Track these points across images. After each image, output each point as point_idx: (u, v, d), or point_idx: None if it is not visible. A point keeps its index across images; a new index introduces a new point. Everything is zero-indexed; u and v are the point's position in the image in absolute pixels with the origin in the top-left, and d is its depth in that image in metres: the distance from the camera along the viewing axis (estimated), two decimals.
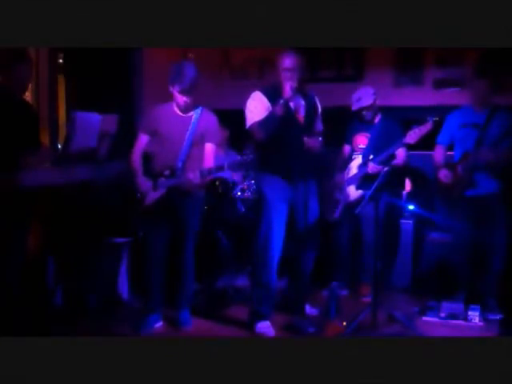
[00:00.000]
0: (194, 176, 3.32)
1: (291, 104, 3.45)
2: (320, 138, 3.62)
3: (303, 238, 3.60)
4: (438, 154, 4.01)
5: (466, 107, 3.94)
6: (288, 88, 3.35)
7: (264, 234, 3.54)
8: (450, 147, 4.01)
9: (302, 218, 3.55)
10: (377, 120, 4.29)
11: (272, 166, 3.55)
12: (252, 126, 3.50)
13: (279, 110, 3.37)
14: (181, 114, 3.52)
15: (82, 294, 3.95)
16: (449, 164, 3.93)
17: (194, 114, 3.53)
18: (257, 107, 3.51)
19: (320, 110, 3.73)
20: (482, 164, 3.76)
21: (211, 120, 3.59)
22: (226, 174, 4.45)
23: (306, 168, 3.52)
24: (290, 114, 3.45)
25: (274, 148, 3.50)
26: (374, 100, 4.19)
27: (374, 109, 4.22)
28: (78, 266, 3.98)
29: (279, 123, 3.39)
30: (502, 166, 3.74)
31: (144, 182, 3.48)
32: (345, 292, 4.35)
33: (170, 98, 3.51)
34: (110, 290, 4.11)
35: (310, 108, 3.58)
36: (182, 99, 3.43)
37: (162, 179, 3.45)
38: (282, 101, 3.36)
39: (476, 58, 4.66)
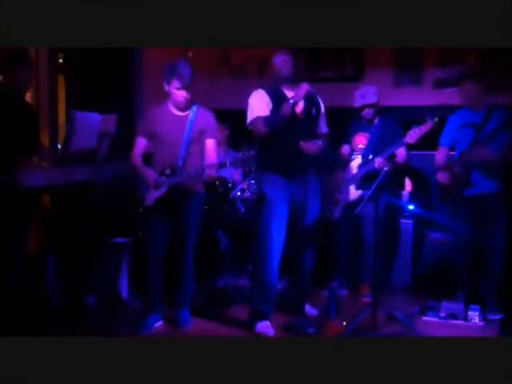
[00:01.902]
0: (191, 174, 3.34)
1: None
2: (319, 143, 3.62)
3: (303, 238, 3.61)
4: (440, 155, 4.02)
5: (466, 108, 3.94)
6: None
7: (264, 233, 3.54)
8: (454, 148, 4.01)
9: (300, 219, 3.56)
10: (376, 120, 4.29)
11: (273, 164, 3.55)
12: (254, 120, 3.51)
13: (287, 110, 3.39)
14: (177, 113, 3.52)
15: (81, 294, 3.95)
16: (447, 164, 3.94)
17: (190, 113, 3.53)
18: (258, 103, 3.54)
19: (323, 110, 3.73)
20: (476, 162, 3.77)
21: (208, 117, 3.60)
22: (227, 173, 4.45)
23: (306, 167, 3.52)
24: (292, 113, 3.46)
25: (275, 147, 3.51)
26: (378, 99, 4.20)
27: (376, 108, 4.22)
28: (78, 266, 3.97)
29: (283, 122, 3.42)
30: (497, 164, 3.74)
31: (148, 172, 3.48)
32: (345, 292, 4.35)
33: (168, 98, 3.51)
34: (109, 290, 4.11)
35: (311, 107, 3.58)
36: (181, 95, 3.43)
37: (163, 178, 3.45)
38: (291, 101, 3.40)
39: (473, 58, 4.66)
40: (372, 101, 4.18)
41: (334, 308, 3.56)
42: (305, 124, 3.52)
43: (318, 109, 3.67)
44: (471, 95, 3.84)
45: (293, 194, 3.56)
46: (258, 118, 3.50)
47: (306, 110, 3.53)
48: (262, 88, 3.59)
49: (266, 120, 3.47)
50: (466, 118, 3.91)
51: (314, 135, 3.62)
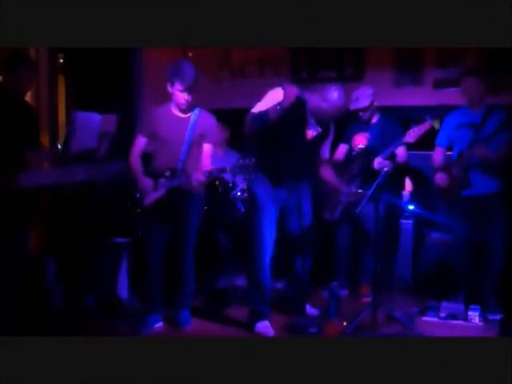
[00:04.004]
0: (196, 178, 3.33)
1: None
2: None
3: (297, 241, 3.61)
4: (437, 155, 4.02)
5: (463, 108, 3.95)
6: (292, 95, 3.31)
7: (255, 234, 3.54)
8: (451, 148, 4.01)
9: (293, 221, 3.59)
10: (376, 120, 4.28)
11: (264, 168, 3.54)
12: (248, 115, 3.45)
13: (273, 115, 3.34)
14: (179, 114, 3.52)
15: (81, 294, 3.95)
16: (446, 165, 3.94)
17: (192, 115, 3.53)
18: (266, 100, 3.44)
19: (309, 113, 3.60)
20: (475, 162, 3.77)
21: (210, 120, 3.59)
22: (227, 175, 4.45)
23: (298, 172, 3.53)
24: (286, 117, 3.43)
25: (267, 150, 3.50)
26: (372, 101, 4.18)
27: (372, 110, 4.22)
28: (77, 266, 3.98)
29: (270, 126, 3.37)
30: (497, 163, 3.74)
31: (145, 181, 3.48)
32: (345, 292, 4.34)
33: (169, 98, 3.50)
34: (109, 290, 4.11)
35: (301, 112, 3.55)
36: (183, 97, 3.41)
37: (163, 180, 3.45)
38: (278, 107, 3.31)
39: (473, 57, 4.66)
40: (365, 104, 4.16)
41: (334, 308, 3.57)
42: (299, 131, 3.50)
43: (306, 114, 3.57)
44: (473, 93, 3.83)
45: (284, 197, 3.57)
46: (249, 114, 3.42)
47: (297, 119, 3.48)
48: (282, 87, 3.47)
49: (251, 119, 3.41)
50: (463, 117, 3.90)
51: (305, 141, 3.59)
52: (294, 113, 3.44)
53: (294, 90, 3.34)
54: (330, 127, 3.70)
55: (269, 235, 3.54)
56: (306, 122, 3.60)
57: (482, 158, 3.75)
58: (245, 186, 4.49)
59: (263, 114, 3.36)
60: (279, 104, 3.32)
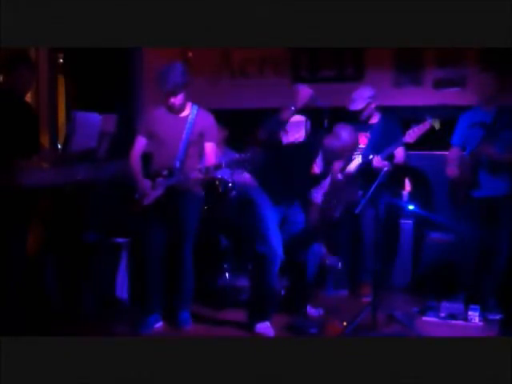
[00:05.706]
0: (194, 175, 3.33)
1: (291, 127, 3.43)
2: None
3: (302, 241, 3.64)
4: (452, 155, 4.01)
5: (476, 107, 3.94)
6: (305, 96, 3.30)
7: (261, 235, 3.54)
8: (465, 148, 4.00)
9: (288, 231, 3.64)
10: (376, 120, 4.29)
11: (265, 185, 3.55)
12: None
13: (286, 115, 3.34)
14: (177, 114, 3.52)
15: (81, 294, 3.94)
16: (459, 164, 3.93)
17: (190, 114, 3.53)
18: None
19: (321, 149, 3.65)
20: (484, 160, 3.76)
21: (208, 119, 3.59)
22: (226, 174, 4.44)
23: (294, 198, 3.59)
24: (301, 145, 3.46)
25: (272, 171, 3.52)
26: (367, 104, 4.19)
27: (368, 111, 4.23)
28: (77, 266, 3.97)
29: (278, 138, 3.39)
30: (506, 163, 3.74)
31: (143, 183, 3.48)
32: (345, 292, 4.35)
33: None
34: (109, 290, 4.10)
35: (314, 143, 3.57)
36: (168, 101, 3.43)
37: (160, 179, 3.45)
38: (292, 108, 3.32)
39: (478, 56, 4.66)
40: (359, 107, 4.18)
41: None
42: (307, 163, 3.54)
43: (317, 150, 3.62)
44: (485, 91, 3.83)
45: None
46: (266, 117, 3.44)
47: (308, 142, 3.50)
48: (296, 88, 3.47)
49: (266, 121, 3.43)
50: (476, 117, 3.89)
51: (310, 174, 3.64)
52: (309, 143, 3.50)
53: (307, 91, 3.33)
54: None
55: (274, 236, 3.53)
56: (316, 156, 3.64)
57: (489, 157, 3.74)
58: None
59: (276, 115, 3.36)
60: (293, 104, 3.33)
